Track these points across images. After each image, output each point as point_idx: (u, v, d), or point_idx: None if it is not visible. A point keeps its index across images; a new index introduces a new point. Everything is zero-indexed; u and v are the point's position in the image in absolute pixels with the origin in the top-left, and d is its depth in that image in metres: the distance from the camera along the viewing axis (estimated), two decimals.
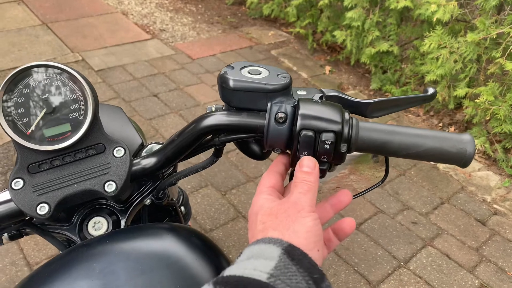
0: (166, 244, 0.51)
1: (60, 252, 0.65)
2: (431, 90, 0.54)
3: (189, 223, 1.41)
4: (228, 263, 0.52)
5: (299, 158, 0.47)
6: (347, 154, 0.50)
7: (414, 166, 2.33)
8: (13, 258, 1.67)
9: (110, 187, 0.52)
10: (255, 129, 0.49)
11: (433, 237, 1.92)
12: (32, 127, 0.50)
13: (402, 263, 1.79)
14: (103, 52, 3.10)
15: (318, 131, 0.46)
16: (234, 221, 1.91)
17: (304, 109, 0.46)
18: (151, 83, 2.82)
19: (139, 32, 3.45)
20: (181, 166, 0.68)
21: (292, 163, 0.49)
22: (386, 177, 0.64)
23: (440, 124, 2.66)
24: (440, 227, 1.97)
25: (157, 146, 0.64)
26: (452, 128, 2.61)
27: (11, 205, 0.51)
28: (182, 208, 0.87)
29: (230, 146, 2.37)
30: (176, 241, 0.52)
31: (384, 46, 2.70)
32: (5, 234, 0.59)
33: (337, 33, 2.92)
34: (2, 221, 0.51)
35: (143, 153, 0.63)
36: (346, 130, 0.47)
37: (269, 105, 0.48)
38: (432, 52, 2.38)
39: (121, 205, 0.61)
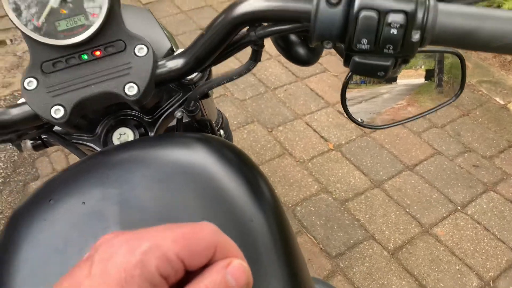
0: (193, 154, 0.45)
1: None
2: None
3: None
4: (265, 182, 0.45)
5: (356, 50, 0.37)
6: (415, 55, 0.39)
7: (480, 106, 2.11)
8: None
9: (131, 89, 0.46)
10: (300, 15, 0.39)
11: (496, 182, 1.76)
12: (42, 18, 0.44)
13: (459, 207, 1.67)
14: None
15: (384, 11, 0.35)
16: (280, 157, 1.86)
17: None
18: (198, 16, 2.71)
19: None
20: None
21: (347, 58, 0.39)
22: (463, 89, 0.53)
23: None
24: (505, 172, 1.80)
25: None
26: None
27: (26, 108, 0.46)
28: (221, 131, 0.81)
29: (278, 81, 2.26)
30: (205, 151, 0.45)
31: None
32: (28, 143, 0.56)
33: None
34: (17, 124, 0.47)
35: None
36: (420, 12, 0.36)
37: None
38: None
39: (149, 117, 0.55)
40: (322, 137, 1.96)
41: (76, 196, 0.40)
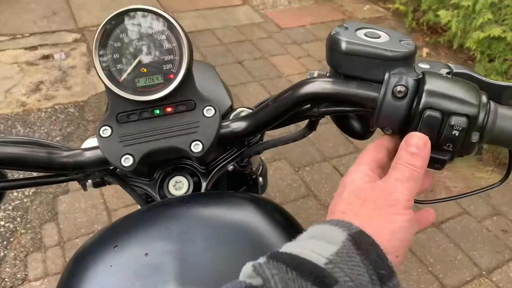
0: (248, 216, 0.47)
1: (138, 205, 0.64)
2: None
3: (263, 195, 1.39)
4: None
5: None
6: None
7: None
8: (95, 202, 1.79)
9: (197, 147, 0.49)
10: (365, 102, 0.42)
11: None
12: (125, 75, 0.48)
13: (484, 272, 1.63)
14: (194, 14, 3.13)
15: (448, 113, 0.37)
16: (304, 198, 1.86)
17: (431, 85, 0.38)
18: (237, 49, 2.80)
19: None
20: (267, 136, 0.64)
21: None
22: (508, 176, 0.54)
23: None
24: None
25: (247, 111, 0.59)
26: None
27: (97, 152, 0.50)
28: (260, 179, 0.83)
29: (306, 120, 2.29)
30: (258, 214, 0.48)
31: (496, 31, 2.39)
32: (89, 181, 0.59)
33: (442, 12, 2.65)
34: (88, 167, 0.50)
35: (232, 116, 0.59)
36: (481, 115, 0.38)
37: (386, 75, 0.40)
38: None
39: (204, 168, 0.58)
40: None
41: (140, 246, 0.42)
